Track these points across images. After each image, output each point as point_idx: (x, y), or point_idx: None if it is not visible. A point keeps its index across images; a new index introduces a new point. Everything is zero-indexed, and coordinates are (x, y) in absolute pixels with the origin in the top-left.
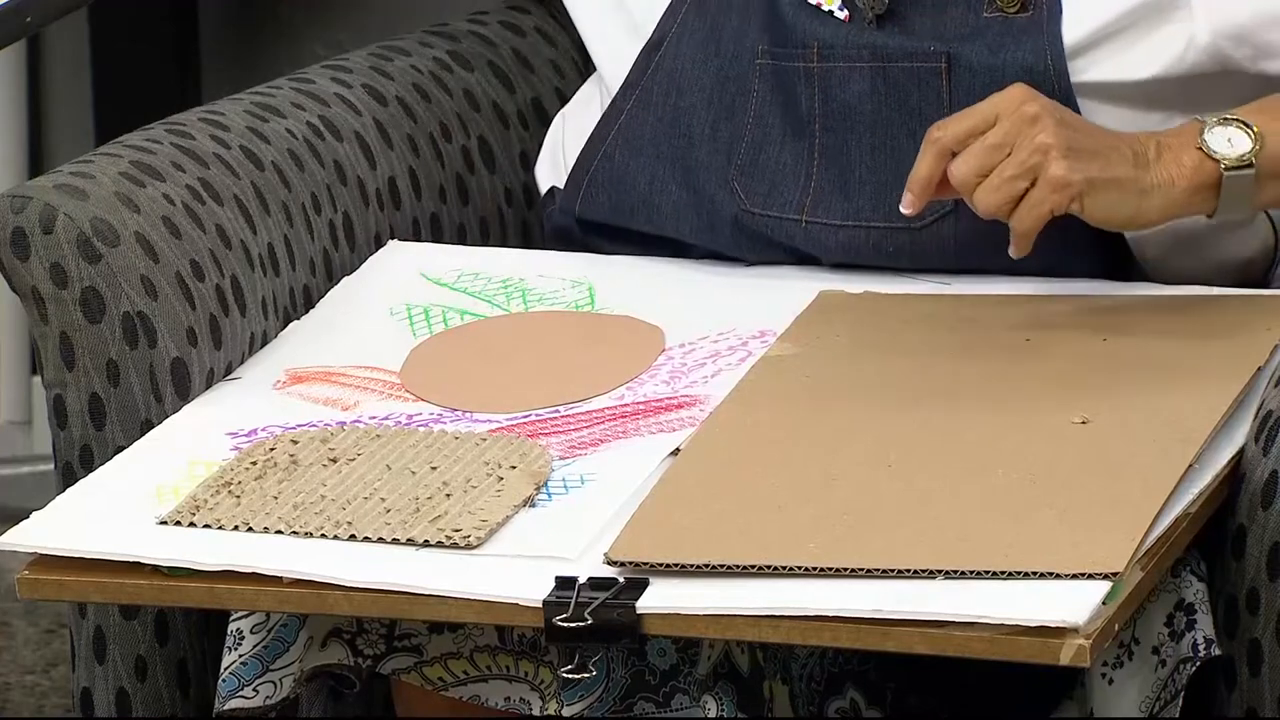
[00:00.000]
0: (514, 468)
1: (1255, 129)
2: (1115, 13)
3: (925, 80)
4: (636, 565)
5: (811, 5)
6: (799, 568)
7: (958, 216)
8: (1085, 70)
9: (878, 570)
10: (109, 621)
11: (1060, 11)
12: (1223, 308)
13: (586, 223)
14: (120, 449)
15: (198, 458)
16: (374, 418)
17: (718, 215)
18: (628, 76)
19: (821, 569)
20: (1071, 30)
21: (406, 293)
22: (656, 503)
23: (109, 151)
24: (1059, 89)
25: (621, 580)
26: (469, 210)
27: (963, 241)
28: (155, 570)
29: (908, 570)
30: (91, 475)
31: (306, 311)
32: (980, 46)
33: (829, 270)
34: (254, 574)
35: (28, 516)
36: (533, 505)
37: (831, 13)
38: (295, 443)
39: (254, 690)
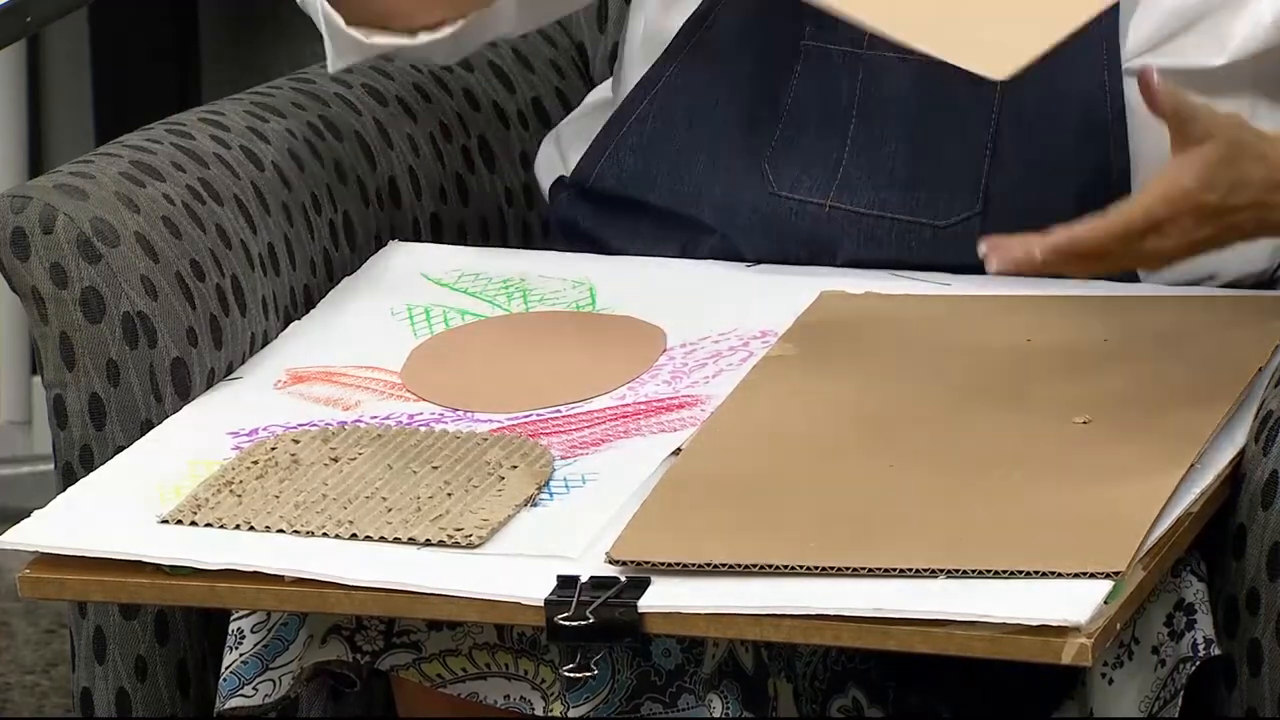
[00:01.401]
0: (515, 467)
1: None
2: (1183, 5)
3: (980, 83)
4: (638, 564)
5: None
6: (800, 567)
7: (984, 218)
8: (1154, 62)
9: (878, 570)
10: (109, 621)
11: (1118, 10)
12: (1223, 308)
13: (598, 197)
14: (120, 449)
15: (198, 457)
16: (375, 417)
17: (742, 193)
18: (669, 45)
19: (822, 568)
20: (1138, 29)
21: (407, 293)
22: (658, 502)
23: (109, 151)
24: (1112, 107)
25: (623, 579)
26: (469, 210)
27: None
28: (157, 569)
29: (908, 570)
30: (92, 475)
31: (307, 311)
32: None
33: (831, 270)
34: (255, 573)
35: (28, 516)
36: (534, 505)
37: None
38: (296, 442)
39: (254, 689)
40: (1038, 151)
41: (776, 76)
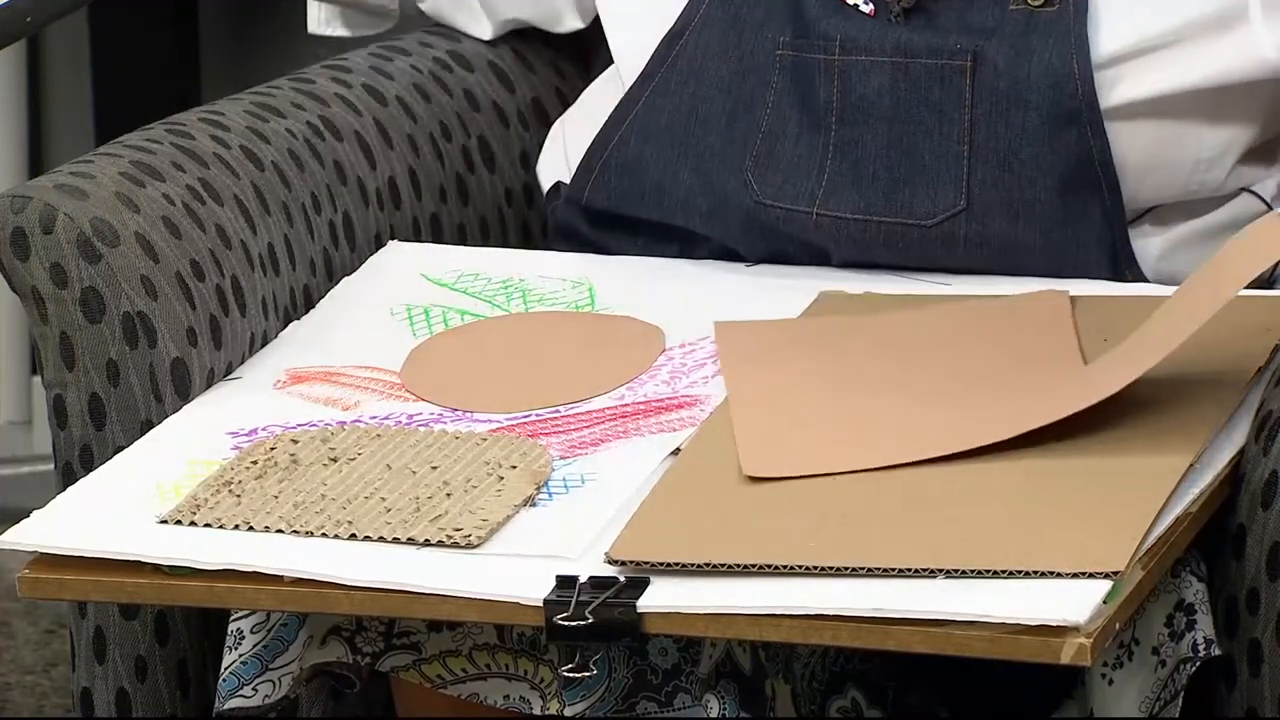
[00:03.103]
0: (514, 467)
1: None
2: (1160, 28)
3: (948, 78)
4: (637, 564)
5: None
6: (799, 567)
7: (969, 216)
8: (1122, 79)
9: (878, 570)
10: (109, 621)
11: (1086, 10)
12: (1223, 308)
13: (593, 212)
14: (120, 449)
15: (198, 457)
16: (374, 417)
17: (728, 204)
18: (646, 65)
19: (822, 568)
20: (1109, 41)
21: (406, 293)
22: (657, 502)
23: (109, 151)
24: (1083, 94)
25: (622, 579)
26: (469, 210)
27: (973, 241)
28: (156, 569)
29: (908, 570)
30: (92, 475)
31: (306, 311)
32: (1006, 45)
33: (829, 270)
34: (255, 573)
35: (28, 516)
36: (533, 505)
37: (856, 6)
38: (295, 442)
39: (253, 689)
40: (1014, 141)
41: (754, 88)
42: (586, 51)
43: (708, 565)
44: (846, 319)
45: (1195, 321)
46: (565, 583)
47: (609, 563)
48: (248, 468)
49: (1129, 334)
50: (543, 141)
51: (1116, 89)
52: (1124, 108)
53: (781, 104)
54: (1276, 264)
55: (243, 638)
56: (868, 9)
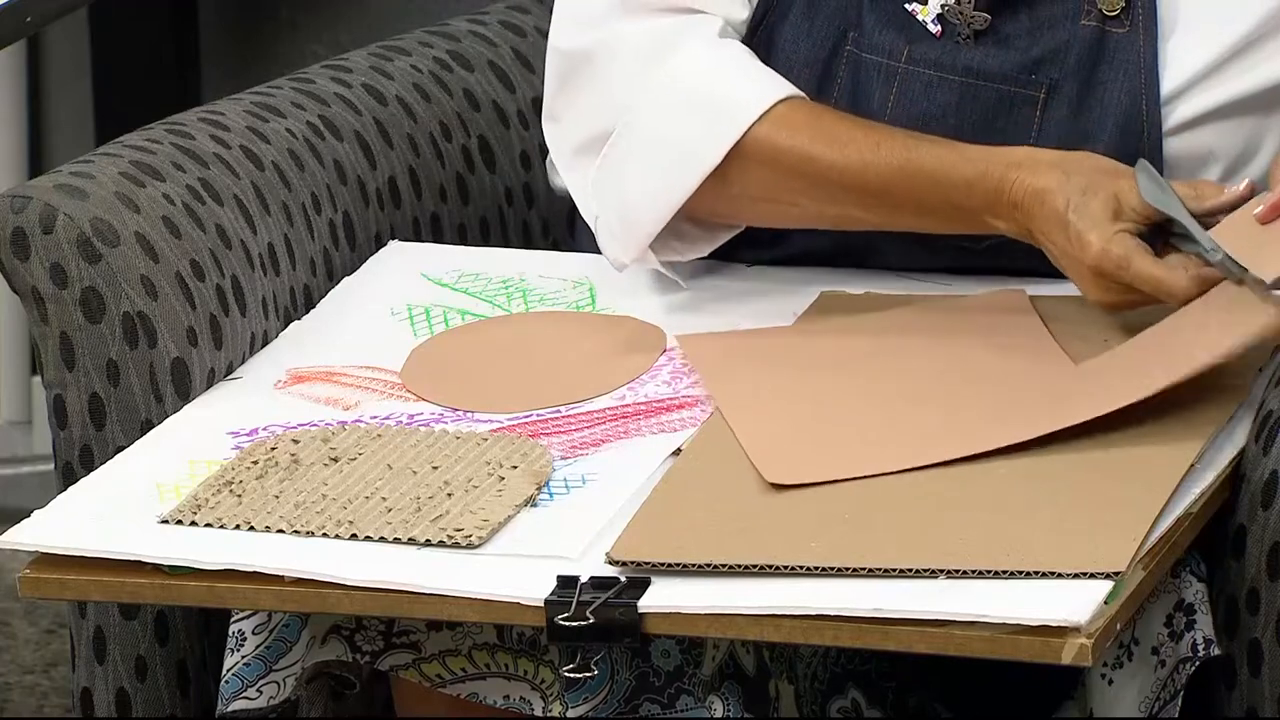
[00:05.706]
0: (515, 467)
1: None
2: (1233, 37)
3: (1019, 107)
4: (638, 565)
5: (906, 10)
6: (800, 567)
7: (1015, 243)
8: (1195, 95)
9: (878, 570)
10: (109, 621)
11: (1156, 24)
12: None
13: None
14: (120, 449)
15: (199, 457)
16: (375, 417)
17: None
18: None
19: (823, 568)
20: (1179, 62)
21: (407, 293)
22: (658, 502)
23: (109, 151)
24: (1149, 138)
25: (623, 580)
26: (469, 210)
27: (1019, 268)
28: (157, 569)
29: (908, 570)
30: (92, 474)
31: (307, 311)
32: (1076, 78)
33: (830, 270)
34: (255, 573)
35: (28, 516)
36: (534, 505)
37: (925, 25)
38: (296, 442)
39: (258, 691)
40: None
41: (820, 81)
42: None
43: (709, 565)
44: (814, 326)
45: (1240, 339)
46: (566, 583)
47: (610, 563)
48: (248, 468)
49: (1125, 335)
50: (543, 141)
51: (1191, 104)
52: (1201, 116)
53: (842, 102)
54: None
55: (245, 639)
56: (935, 29)
